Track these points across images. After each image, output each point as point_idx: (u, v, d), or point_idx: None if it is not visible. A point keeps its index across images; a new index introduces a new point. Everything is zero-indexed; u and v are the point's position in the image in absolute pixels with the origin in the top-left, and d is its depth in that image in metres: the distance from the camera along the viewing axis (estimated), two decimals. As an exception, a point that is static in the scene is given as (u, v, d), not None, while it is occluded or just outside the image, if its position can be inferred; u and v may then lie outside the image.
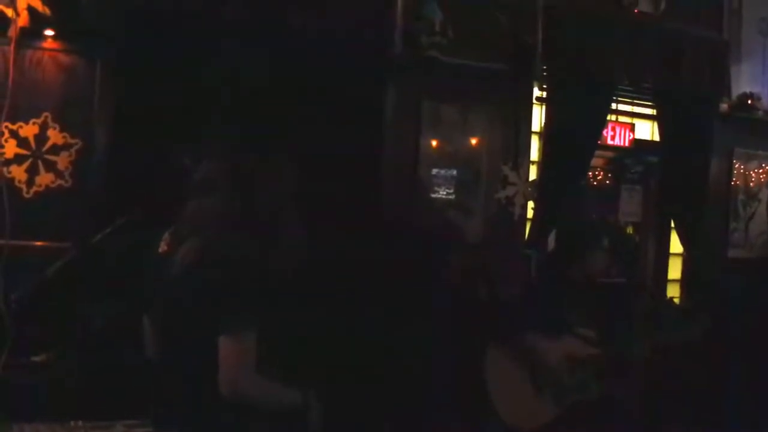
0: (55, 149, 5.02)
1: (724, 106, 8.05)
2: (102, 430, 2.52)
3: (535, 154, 7.12)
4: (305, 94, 5.44)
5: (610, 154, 8.05)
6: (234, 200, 2.96)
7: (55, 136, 5.01)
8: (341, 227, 5.08)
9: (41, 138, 4.99)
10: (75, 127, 5.08)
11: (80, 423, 2.65)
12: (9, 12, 4.72)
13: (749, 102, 8.06)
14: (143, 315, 3.19)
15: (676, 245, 8.24)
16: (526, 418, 4.42)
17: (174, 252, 2.96)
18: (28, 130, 4.97)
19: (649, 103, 7.92)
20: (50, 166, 5.00)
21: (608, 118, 7.53)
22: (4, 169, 4.86)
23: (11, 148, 4.92)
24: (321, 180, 4.77)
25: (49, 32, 4.97)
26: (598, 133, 7.34)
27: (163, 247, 3.05)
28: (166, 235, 3.06)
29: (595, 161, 7.77)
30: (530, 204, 6.97)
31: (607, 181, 8.33)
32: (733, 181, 8.45)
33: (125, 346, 3.80)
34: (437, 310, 5.02)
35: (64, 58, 5.06)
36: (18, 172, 4.94)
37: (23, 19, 4.75)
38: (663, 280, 8.36)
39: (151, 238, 3.11)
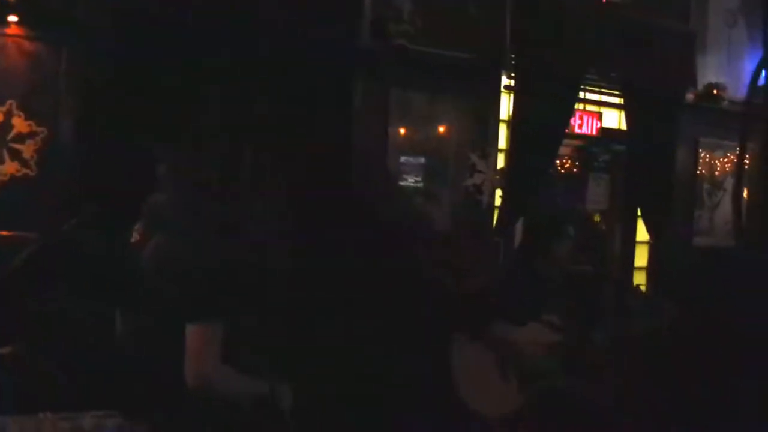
0: (20, 138, 4.96)
1: (690, 96, 8.13)
2: (70, 422, 2.51)
3: (503, 142, 7.15)
4: (274, 84, 5.43)
5: (577, 142, 8.11)
6: (201, 192, 2.96)
7: (20, 124, 4.96)
8: (310, 216, 5.08)
9: (6, 126, 4.94)
10: (41, 115, 5.03)
11: (48, 415, 2.63)
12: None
13: (715, 92, 8.14)
14: (113, 306, 3.18)
15: (642, 233, 8.31)
16: (493, 405, 4.44)
17: (146, 242, 2.96)
18: (-8, 118, 4.93)
19: (616, 93, 7.97)
20: (15, 155, 4.95)
21: (576, 107, 7.57)
22: (-32, 158, 4.82)
23: (-26, 137, 4.88)
24: (289, 169, 4.75)
25: (13, 18, 4.91)
26: (566, 122, 7.39)
27: (135, 238, 3.04)
28: (137, 226, 3.05)
29: (563, 150, 7.81)
30: (498, 192, 7.00)
31: (575, 170, 8.37)
32: (698, 170, 8.53)
33: (95, 337, 3.78)
34: (405, 298, 5.03)
35: (29, 45, 5.00)
36: (-19, 161, 4.90)
37: (-15, 5, 4.70)
38: (629, 267, 8.44)
39: (120, 228, 3.10)
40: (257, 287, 3.12)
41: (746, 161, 7.56)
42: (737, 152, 7.51)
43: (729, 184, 8.61)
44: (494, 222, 7.00)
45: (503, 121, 7.16)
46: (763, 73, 1.95)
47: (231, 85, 5.27)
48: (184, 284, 2.79)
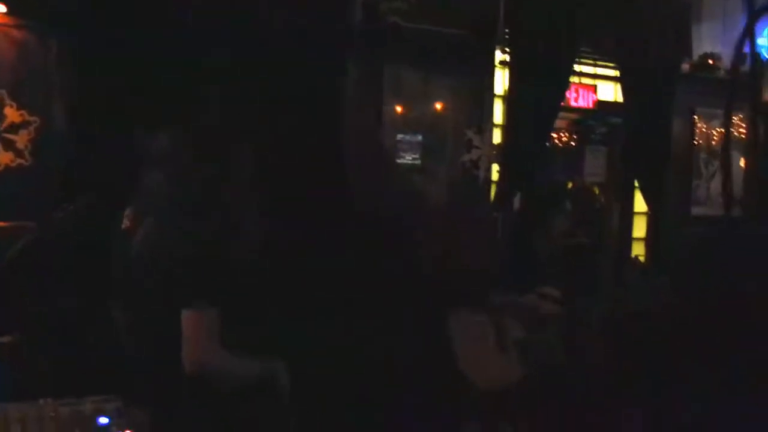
0: (14, 127, 4.95)
1: (685, 66, 8.11)
2: (71, 407, 2.53)
3: (499, 117, 7.14)
4: (266, 65, 5.41)
5: (573, 115, 8.11)
6: (194, 176, 2.96)
7: (12, 114, 4.94)
8: (305, 197, 5.08)
9: (-2, 116, 4.94)
10: (34, 104, 5.01)
11: (49, 401, 2.66)
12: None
13: (710, 62, 8.13)
14: (109, 292, 3.19)
15: (640, 204, 8.32)
16: (491, 377, 4.47)
17: (137, 228, 2.96)
18: (-16, 108, 4.92)
19: (612, 65, 7.95)
20: (9, 145, 4.94)
21: (571, 80, 7.56)
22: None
23: (-34, 127, 4.88)
24: (284, 151, 4.75)
25: (2, 7, 4.90)
26: (562, 96, 7.37)
27: (126, 224, 3.04)
28: (128, 212, 3.05)
29: (559, 123, 7.81)
30: (495, 167, 7.00)
31: (572, 143, 8.38)
32: (695, 140, 8.53)
33: (93, 324, 3.79)
34: (403, 275, 5.04)
35: (19, 33, 4.98)
36: (-25, 152, 4.90)
37: (-25, -6, 4.69)
38: (628, 238, 8.45)
39: (113, 215, 3.11)
40: (252, 270, 3.13)
41: (733, 130, 7.59)
42: (724, 121, 7.53)
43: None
44: (492, 197, 7.01)
45: (499, 96, 7.15)
46: (748, 41, 1.97)
47: (223, 69, 5.26)
48: (178, 269, 2.79)
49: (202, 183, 2.96)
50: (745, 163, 7.96)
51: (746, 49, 1.91)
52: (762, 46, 7.14)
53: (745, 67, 1.93)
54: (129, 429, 2.41)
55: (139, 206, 3.00)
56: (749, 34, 1.86)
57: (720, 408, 2.27)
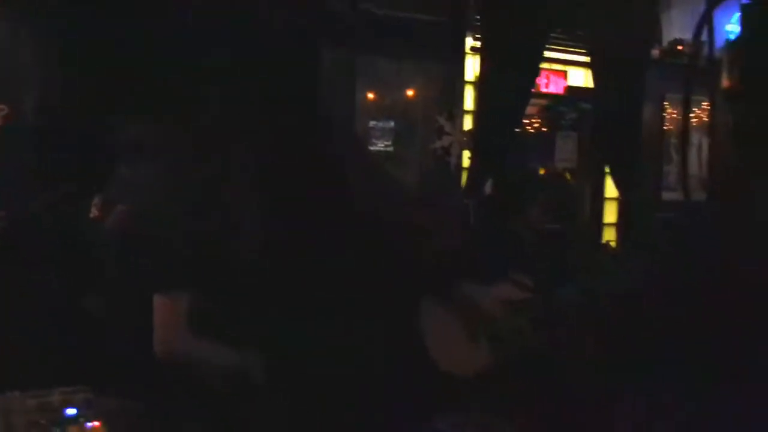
0: (-18, 116, 4.91)
1: (655, 53, 8.14)
2: (39, 399, 2.50)
3: (470, 104, 7.15)
4: (239, 51, 5.38)
5: (544, 102, 8.13)
6: (166, 165, 2.95)
7: (-20, 102, 4.90)
8: (278, 183, 5.07)
9: (-35, 104, 4.89)
10: (2, 92, 4.96)
11: (16, 393, 2.63)
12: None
13: (680, 48, 8.17)
14: (82, 281, 3.17)
15: (611, 189, 8.36)
16: (462, 365, 4.48)
17: (106, 217, 2.95)
18: (-49, 96, 4.86)
19: (582, 51, 7.97)
20: (-24, 134, 4.90)
21: (542, 66, 7.57)
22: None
23: (-66, 116, 4.82)
24: (257, 137, 4.73)
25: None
26: (532, 82, 7.38)
27: (94, 213, 3.03)
28: (96, 201, 3.04)
29: (530, 109, 7.82)
30: (466, 153, 7.01)
31: (542, 129, 8.40)
32: (665, 125, 8.58)
33: (63, 313, 3.77)
34: (375, 261, 5.04)
35: (-13, 21, 4.94)
36: (-57, 141, 4.85)
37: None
38: (599, 224, 8.50)
39: (85, 204, 3.09)
40: (225, 256, 3.12)
41: (702, 116, 7.66)
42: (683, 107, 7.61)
43: (696, 138, 8.67)
44: (463, 183, 7.02)
45: (470, 82, 7.16)
46: (705, 28, 1.97)
47: (195, 55, 5.22)
48: (150, 256, 2.78)
49: (174, 171, 2.94)
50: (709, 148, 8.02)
51: (705, 37, 1.93)
52: (729, 32, 7.17)
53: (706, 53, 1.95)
54: (98, 420, 2.40)
55: (108, 195, 2.99)
56: (707, 20, 1.87)
57: (695, 387, 2.29)
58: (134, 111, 3.18)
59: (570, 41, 7.85)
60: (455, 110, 6.91)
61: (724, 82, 1.93)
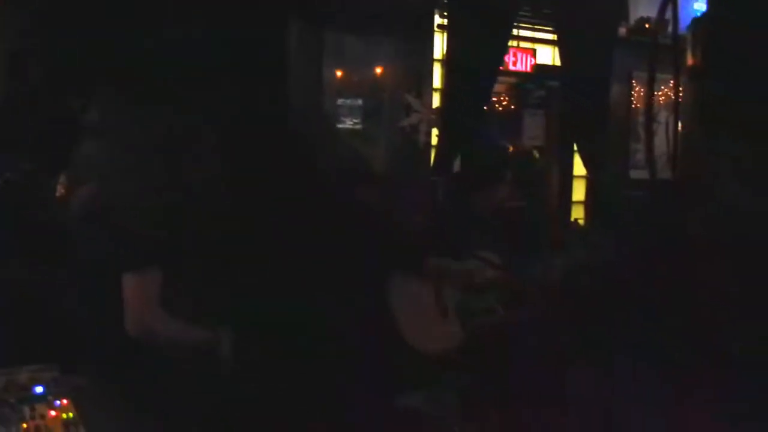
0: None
1: (622, 31, 8.18)
2: (5, 377, 2.50)
3: (438, 81, 7.16)
4: (206, 29, 5.34)
5: (512, 79, 8.15)
6: (130, 141, 2.93)
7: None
8: (246, 161, 5.05)
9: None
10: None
11: (-17, 372, 2.62)
12: None
13: (647, 26, 8.21)
14: (48, 261, 3.16)
15: (579, 168, 8.41)
16: (432, 342, 4.50)
17: (71, 196, 2.93)
18: None
19: (550, 29, 7.99)
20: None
21: (509, 44, 7.59)
22: None
23: None
24: (224, 116, 4.71)
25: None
26: (500, 60, 7.40)
27: (60, 191, 3.01)
28: (62, 179, 3.02)
29: (498, 87, 7.84)
30: (434, 131, 7.03)
31: (511, 106, 8.43)
32: (633, 103, 8.63)
33: (30, 291, 3.75)
34: (343, 239, 5.04)
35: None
36: None
37: None
38: (567, 202, 8.55)
39: (50, 183, 3.07)
40: (194, 233, 3.11)
41: (658, 94, 7.69)
42: (647, 85, 7.66)
43: (663, 116, 8.71)
44: (431, 161, 7.03)
45: (437, 60, 7.16)
46: (670, 7, 1.99)
47: (161, 33, 5.17)
48: (118, 233, 2.77)
49: (141, 149, 2.93)
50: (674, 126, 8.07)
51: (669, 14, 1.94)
52: (697, 11, 7.22)
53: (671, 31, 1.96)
54: (65, 398, 2.40)
55: (73, 174, 2.97)
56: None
57: (661, 357, 2.32)
58: (95, 89, 3.16)
59: (538, 19, 7.87)
60: (423, 88, 6.91)
61: (689, 60, 1.95)
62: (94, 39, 4.82)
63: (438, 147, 7.04)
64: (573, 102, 7.96)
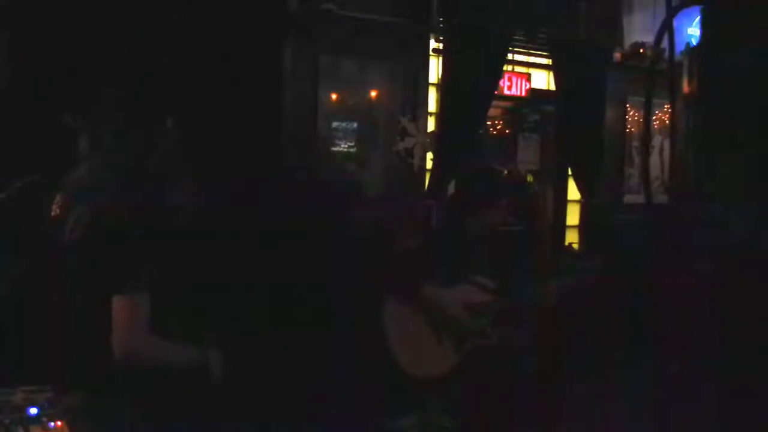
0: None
1: (617, 56, 8.22)
2: (1, 398, 2.48)
3: (433, 105, 7.18)
4: (201, 49, 5.36)
5: (507, 103, 8.17)
6: (126, 161, 2.93)
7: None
8: (241, 184, 5.06)
9: None
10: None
11: (-23, 393, 2.60)
12: None
13: (641, 51, 8.25)
14: (40, 280, 3.14)
15: (574, 192, 8.42)
16: (426, 366, 4.49)
17: (66, 216, 2.92)
18: None
19: (545, 53, 8.03)
20: None
21: (504, 68, 7.62)
22: None
23: None
24: (219, 137, 4.72)
25: None
26: (495, 84, 7.43)
27: (55, 211, 2.99)
28: (57, 198, 3.00)
29: (493, 111, 7.86)
30: (429, 155, 7.04)
31: (505, 131, 8.45)
32: (627, 128, 8.66)
33: (24, 311, 3.74)
34: (338, 262, 5.05)
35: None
36: None
37: None
38: (561, 226, 8.55)
39: (44, 202, 3.06)
40: (184, 256, 3.11)
41: (653, 119, 7.77)
42: (643, 110, 7.69)
43: (657, 141, 8.76)
44: (426, 185, 7.05)
45: (433, 84, 7.18)
46: (666, 33, 2.00)
47: (156, 51, 5.19)
48: (109, 256, 2.77)
49: (134, 171, 2.93)
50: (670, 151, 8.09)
51: (666, 43, 1.95)
52: (691, 36, 7.25)
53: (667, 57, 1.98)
54: (60, 419, 2.38)
55: (68, 194, 2.96)
56: (668, 25, 1.89)
57: (649, 374, 2.32)
58: (93, 109, 3.16)
59: (533, 44, 7.90)
60: (418, 112, 6.93)
61: (685, 86, 1.96)
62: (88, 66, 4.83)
63: (433, 171, 7.05)
64: (567, 126, 7.99)
